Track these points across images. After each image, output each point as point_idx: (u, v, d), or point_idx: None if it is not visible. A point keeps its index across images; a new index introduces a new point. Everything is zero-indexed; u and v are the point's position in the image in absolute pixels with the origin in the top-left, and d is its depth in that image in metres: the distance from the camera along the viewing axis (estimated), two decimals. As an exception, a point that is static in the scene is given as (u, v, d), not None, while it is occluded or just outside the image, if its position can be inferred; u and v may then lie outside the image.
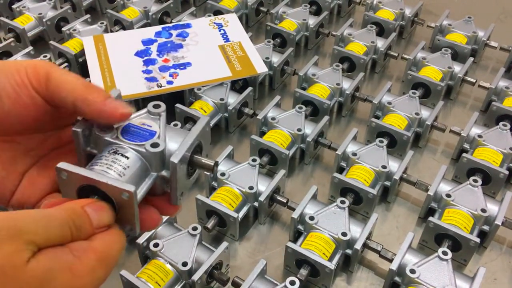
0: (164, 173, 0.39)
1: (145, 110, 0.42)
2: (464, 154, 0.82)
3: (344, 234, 0.70)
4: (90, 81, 0.92)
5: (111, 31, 1.08)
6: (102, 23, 1.06)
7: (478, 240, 0.70)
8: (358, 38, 1.05)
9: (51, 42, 1.01)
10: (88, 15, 1.09)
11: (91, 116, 0.39)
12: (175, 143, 0.40)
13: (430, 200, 0.77)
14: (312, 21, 1.09)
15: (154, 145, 0.39)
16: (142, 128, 0.41)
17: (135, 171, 0.39)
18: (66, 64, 0.98)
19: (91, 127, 0.41)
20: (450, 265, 0.67)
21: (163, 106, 0.41)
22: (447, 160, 0.90)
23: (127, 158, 0.39)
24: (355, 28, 1.12)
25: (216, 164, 0.41)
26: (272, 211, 0.81)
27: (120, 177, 0.38)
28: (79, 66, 1.01)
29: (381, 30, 1.11)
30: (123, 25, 1.09)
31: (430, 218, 0.72)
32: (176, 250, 0.67)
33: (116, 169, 0.38)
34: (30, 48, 1.00)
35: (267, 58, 0.98)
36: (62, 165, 0.36)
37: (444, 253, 0.67)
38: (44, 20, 1.08)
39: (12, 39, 1.03)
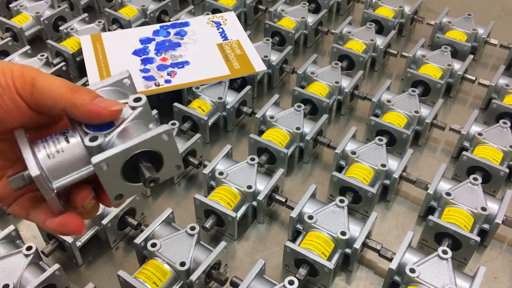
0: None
1: (126, 100, 0.41)
2: (464, 152, 0.81)
3: (343, 233, 0.69)
4: (87, 80, 0.92)
5: (109, 30, 1.08)
6: (100, 21, 1.06)
7: (478, 239, 0.69)
8: (357, 36, 1.04)
9: (49, 41, 1.01)
10: (86, 14, 1.08)
11: (82, 119, 0.39)
12: (122, 143, 0.38)
13: (430, 199, 0.77)
14: (311, 19, 1.09)
15: (93, 138, 0.38)
16: None
17: (69, 158, 0.39)
18: (63, 63, 0.98)
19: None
20: (450, 264, 0.66)
21: (143, 100, 0.40)
22: (447, 158, 0.89)
23: (68, 142, 0.39)
24: (354, 26, 1.11)
25: (152, 180, 0.38)
26: (271, 210, 0.81)
27: (48, 159, 0.38)
28: (77, 65, 1.00)
29: (381, 28, 1.10)
30: (121, 24, 1.08)
31: (430, 217, 0.72)
32: (174, 250, 0.67)
33: (50, 149, 0.39)
34: (28, 47, 1.00)
35: (266, 56, 0.98)
36: (17, 131, 0.40)
37: (444, 252, 0.66)
38: (41, 19, 1.07)
39: (9, 38, 1.03)
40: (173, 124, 0.84)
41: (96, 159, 0.37)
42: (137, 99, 0.40)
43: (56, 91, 0.39)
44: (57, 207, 0.40)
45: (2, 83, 0.38)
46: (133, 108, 0.40)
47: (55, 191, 0.39)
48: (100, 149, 0.38)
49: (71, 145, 0.39)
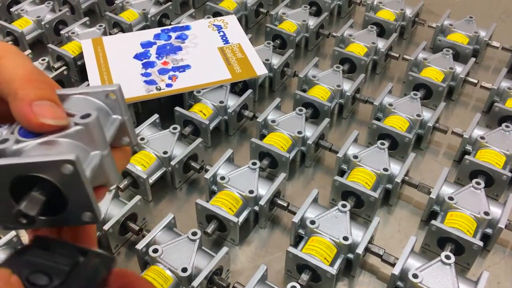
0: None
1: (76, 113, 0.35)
2: (466, 156, 0.81)
3: (345, 238, 0.69)
4: (88, 84, 0.92)
5: (110, 34, 1.08)
6: (101, 25, 1.06)
7: (481, 243, 0.69)
8: (359, 39, 1.04)
9: (50, 45, 1.01)
10: (87, 18, 1.08)
11: (14, 116, 0.33)
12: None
13: (432, 203, 0.76)
14: (312, 22, 1.09)
15: (2, 141, 0.33)
16: None
17: None
18: (65, 67, 0.98)
19: None
20: (453, 269, 0.66)
21: (89, 118, 0.33)
22: (449, 162, 0.89)
23: None
24: (356, 29, 1.11)
25: (21, 214, 0.31)
26: (273, 215, 0.80)
27: None
28: (78, 69, 1.00)
29: (382, 30, 1.10)
30: (122, 28, 1.08)
31: (433, 222, 0.72)
32: (176, 256, 0.67)
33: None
34: (29, 51, 1.00)
35: (267, 60, 0.97)
36: None
37: (447, 257, 0.66)
38: (42, 23, 1.07)
39: (10, 42, 1.03)
40: (175, 128, 0.84)
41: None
42: (85, 116, 0.33)
43: (10, 74, 0.33)
44: None
45: None
46: (76, 124, 0.33)
47: None
48: (4, 154, 0.32)
49: None
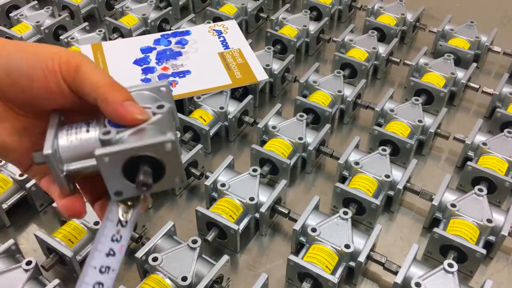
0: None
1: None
2: (468, 163, 0.80)
3: (347, 246, 0.68)
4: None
5: (110, 39, 1.07)
6: (101, 31, 1.05)
7: (484, 251, 0.68)
8: (359, 44, 1.04)
9: (49, 50, 1.00)
10: (86, 23, 1.07)
11: (108, 115, 0.41)
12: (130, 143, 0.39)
13: (434, 210, 0.76)
14: (313, 27, 1.08)
15: (105, 132, 0.39)
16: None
17: (84, 146, 0.41)
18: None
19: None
20: (456, 278, 0.65)
21: (165, 108, 0.40)
22: (451, 168, 0.88)
23: (87, 132, 0.41)
24: (356, 33, 1.11)
25: (143, 184, 0.38)
26: (274, 222, 0.80)
27: (66, 143, 0.41)
28: (77, 74, 0.99)
29: (383, 35, 1.10)
30: (122, 33, 1.07)
31: (435, 229, 0.71)
32: (176, 264, 0.66)
33: (70, 135, 0.41)
34: (28, 57, 0.99)
35: (268, 65, 0.97)
36: (53, 113, 0.41)
37: (450, 265, 0.65)
38: (42, 28, 1.07)
39: (9, 48, 1.02)
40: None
41: (98, 151, 0.37)
42: (160, 106, 0.41)
43: (95, 81, 0.40)
44: (64, 189, 0.42)
45: (50, 68, 0.40)
46: (154, 114, 0.40)
47: (64, 173, 0.40)
48: (110, 143, 0.39)
49: (89, 135, 0.41)
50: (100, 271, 0.38)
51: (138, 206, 0.41)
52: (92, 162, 0.40)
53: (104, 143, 0.39)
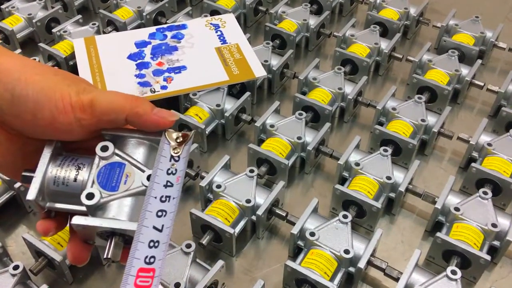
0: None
1: (149, 171, 0.42)
2: (473, 164, 0.78)
3: (346, 251, 0.66)
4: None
5: (104, 32, 1.04)
6: (94, 24, 1.02)
7: (488, 258, 0.66)
8: (361, 39, 1.01)
9: (41, 44, 0.97)
10: (80, 16, 1.04)
11: (142, 127, 0.42)
12: (114, 214, 0.40)
13: (437, 214, 0.73)
14: (313, 21, 1.05)
15: (89, 196, 0.40)
16: (120, 178, 0.42)
17: (68, 192, 0.42)
18: (56, 67, 0.94)
19: (116, 136, 0.43)
20: (459, 285, 0.63)
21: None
22: (454, 169, 0.86)
23: (75, 180, 0.42)
24: (358, 28, 1.07)
25: (109, 261, 0.41)
26: (271, 224, 0.77)
27: (53, 184, 0.42)
28: (70, 69, 0.96)
29: (385, 30, 1.07)
30: (116, 26, 1.04)
31: (438, 234, 0.68)
32: (169, 270, 0.64)
33: (58, 177, 0.42)
34: (19, 50, 0.96)
35: (266, 61, 0.94)
36: (49, 143, 0.42)
37: (453, 272, 0.63)
38: (34, 21, 1.03)
39: (0, 41, 0.99)
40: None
41: (75, 220, 0.39)
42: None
43: (116, 104, 0.41)
44: (41, 214, 0.43)
45: (60, 108, 0.40)
46: (145, 186, 0.41)
47: (45, 210, 0.42)
48: (92, 208, 0.40)
49: (76, 183, 0.41)
50: (161, 200, 0.40)
51: (189, 142, 0.42)
52: (74, 207, 0.42)
53: (86, 206, 0.40)
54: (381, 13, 1.08)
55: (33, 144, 0.43)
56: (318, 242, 0.67)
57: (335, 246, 0.67)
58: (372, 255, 0.67)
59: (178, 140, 0.42)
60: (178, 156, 0.42)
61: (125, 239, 0.40)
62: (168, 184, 0.40)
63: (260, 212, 0.71)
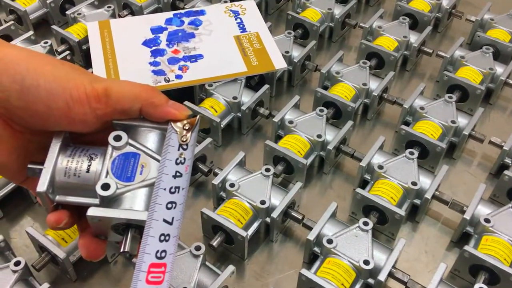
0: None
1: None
2: (505, 172, 0.72)
3: (366, 262, 0.61)
4: (92, 71, 0.85)
5: (119, 16, 1.00)
6: (110, 6, 0.98)
7: (520, 276, 0.61)
8: (389, 32, 0.95)
9: (53, 27, 0.93)
10: (95, -3, 1.00)
11: (156, 118, 0.41)
12: (129, 205, 0.39)
13: (465, 224, 0.68)
14: (338, 11, 0.99)
15: (104, 186, 0.39)
16: (135, 168, 0.40)
17: (80, 184, 0.40)
18: (68, 51, 0.91)
19: (127, 126, 0.42)
20: (487, 304, 0.58)
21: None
22: (484, 175, 0.80)
23: (87, 171, 0.40)
24: (386, 19, 1.01)
25: (127, 255, 0.42)
26: (286, 227, 0.73)
27: (64, 176, 0.40)
28: (83, 54, 0.93)
29: (415, 22, 1.01)
30: (132, 10, 1.00)
31: (466, 248, 0.64)
32: (176, 273, 0.60)
33: (70, 168, 0.40)
34: (31, 32, 0.92)
35: (287, 52, 0.89)
36: (58, 133, 0.40)
37: (481, 290, 0.58)
38: (47, 1, 1.00)
39: (12, 22, 0.95)
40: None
41: (91, 212, 0.38)
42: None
43: (131, 93, 0.40)
44: (49, 208, 0.41)
45: (75, 97, 0.39)
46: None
47: (54, 203, 0.40)
48: (107, 200, 0.39)
49: (89, 174, 0.40)
50: (170, 192, 0.38)
51: (196, 129, 0.41)
52: (86, 200, 0.40)
53: (101, 198, 0.38)
54: (411, 4, 1.02)
55: (37, 142, 0.42)
56: (336, 250, 0.63)
57: (354, 255, 0.62)
58: (394, 266, 0.63)
59: (185, 128, 0.41)
60: (186, 144, 0.41)
61: (141, 232, 0.38)
62: (177, 174, 0.39)
63: (275, 214, 0.67)
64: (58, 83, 0.38)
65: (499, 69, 0.89)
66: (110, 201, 0.39)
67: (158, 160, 0.40)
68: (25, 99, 0.38)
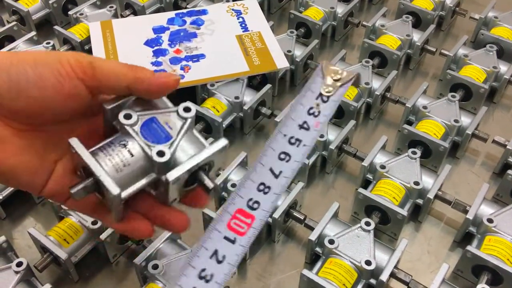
0: (164, 178, 0.39)
1: (175, 108, 0.42)
2: (509, 171, 0.72)
3: (368, 262, 0.61)
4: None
5: (122, 16, 1.00)
6: (112, 6, 0.98)
7: (524, 276, 0.61)
8: (392, 30, 0.94)
9: (56, 27, 0.94)
10: (98, -3, 1.00)
11: (146, 93, 0.42)
12: (185, 155, 0.40)
13: (468, 224, 0.68)
14: (341, 10, 0.99)
15: (160, 153, 0.39)
16: (162, 128, 0.40)
17: (134, 170, 0.40)
18: (71, 52, 0.91)
19: (120, 106, 0.42)
20: (489, 305, 0.58)
21: (193, 111, 0.41)
22: (488, 174, 0.80)
23: (132, 155, 0.40)
24: (389, 18, 1.01)
25: (214, 189, 0.43)
26: (288, 227, 0.73)
27: (116, 172, 0.39)
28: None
29: (418, 20, 1.00)
30: (135, 9, 1.00)
31: (468, 248, 0.63)
32: (176, 274, 0.60)
33: (116, 163, 0.40)
34: (33, 33, 0.92)
35: (289, 51, 0.89)
36: (73, 141, 0.40)
37: (484, 291, 0.58)
38: (50, 1, 1.00)
39: (15, 22, 0.96)
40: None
41: (173, 175, 0.38)
42: (187, 109, 0.41)
43: (117, 69, 0.41)
44: (120, 215, 0.42)
45: (62, 72, 0.39)
46: (183, 118, 0.41)
47: (122, 202, 0.40)
48: (168, 164, 0.39)
49: (135, 158, 0.40)
50: (290, 142, 0.35)
51: (347, 85, 0.37)
52: (142, 182, 0.40)
53: (161, 164, 0.38)
54: (415, 2, 1.01)
55: (42, 138, 0.42)
56: (338, 250, 0.63)
57: (355, 255, 0.62)
58: (396, 267, 0.63)
59: (335, 78, 0.36)
60: (328, 97, 0.36)
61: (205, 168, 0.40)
62: (304, 125, 0.35)
63: (276, 215, 0.66)
64: (44, 64, 0.39)
65: (503, 68, 0.88)
66: (168, 165, 0.39)
67: (175, 111, 0.41)
68: (16, 88, 0.39)
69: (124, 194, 0.40)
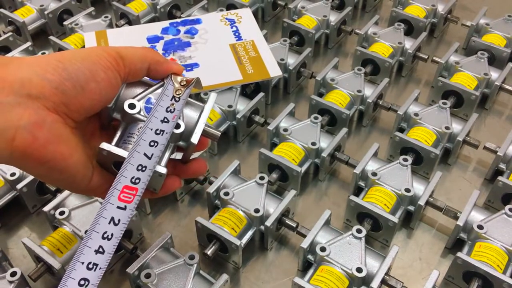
0: (180, 143, 0.49)
1: (160, 83, 0.49)
2: (499, 178, 0.72)
3: (359, 270, 0.62)
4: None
5: (116, 26, 1.01)
6: (107, 16, 0.99)
7: (513, 282, 0.61)
8: (384, 38, 0.95)
9: (51, 37, 0.95)
10: (93, 8, 1.01)
11: (163, 73, 0.48)
12: (193, 117, 0.49)
13: (459, 231, 0.68)
14: (334, 18, 1.00)
15: (177, 126, 0.47)
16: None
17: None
18: (66, 61, 0.92)
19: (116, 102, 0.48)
20: (480, 311, 0.58)
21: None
22: (479, 180, 0.80)
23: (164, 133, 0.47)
24: (381, 25, 1.02)
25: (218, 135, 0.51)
26: (281, 234, 0.73)
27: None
28: (80, 64, 0.94)
29: (410, 28, 1.01)
30: (129, 19, 1.01)
31: (459, 254, 0.64)
32: (169, 282, 0.61)
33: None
34: (29, 43, 0.94)
35: (282, 59, 0.89)
36: (104, 145, 0.45)
37: (474, 298, 0.58)
38: (45, 12, 1.01)
39: (10, 33, 0.97)
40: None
41: (195, 139, 0.49)
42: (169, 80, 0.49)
43: (139, 54, 0.46)
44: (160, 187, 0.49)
45: (105, 66, 0.43)
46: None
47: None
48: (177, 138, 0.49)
49: (166, 136, 0.47)
50: (156, 133, 0.45)
51: (190, 86, 0.48)
52: (170, 149, 0.49)
53: (177, 134, 0.48)
54: (407, 10, 1.02)
55: (82, 134, 0.46)
56: (329, 258, 0.63)
57: (347, 263, 0.63)
58: (387, 273, 0.63)
59: (182, 83, 0.48)
60: (179, 97, 0.47)
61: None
62: (165, 120, 0.46)
63: (268, 223, 0.67)
64: (89, 60, 0.43)
65: (494, 74, 0.89)
66: (183, 136, 0.48)
67: (161, 85, 0.48)
68: (79, 84, 0.41)
69: (163, 166, 0.47)
